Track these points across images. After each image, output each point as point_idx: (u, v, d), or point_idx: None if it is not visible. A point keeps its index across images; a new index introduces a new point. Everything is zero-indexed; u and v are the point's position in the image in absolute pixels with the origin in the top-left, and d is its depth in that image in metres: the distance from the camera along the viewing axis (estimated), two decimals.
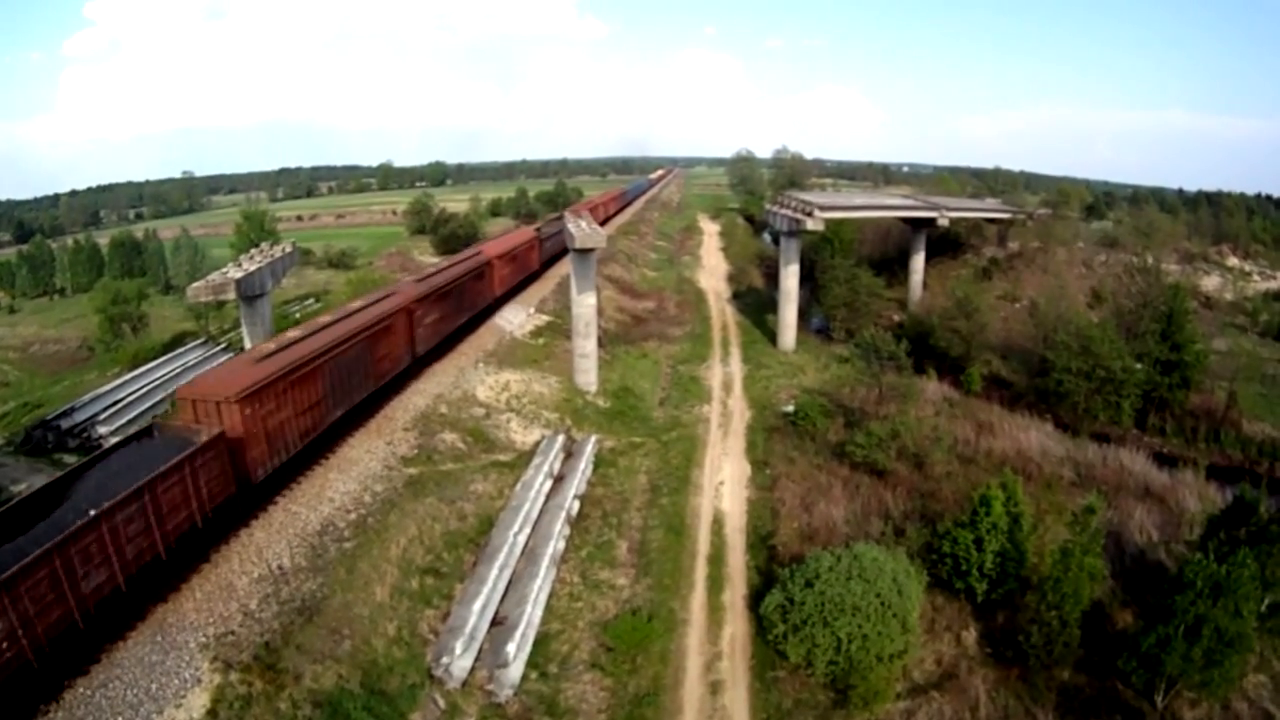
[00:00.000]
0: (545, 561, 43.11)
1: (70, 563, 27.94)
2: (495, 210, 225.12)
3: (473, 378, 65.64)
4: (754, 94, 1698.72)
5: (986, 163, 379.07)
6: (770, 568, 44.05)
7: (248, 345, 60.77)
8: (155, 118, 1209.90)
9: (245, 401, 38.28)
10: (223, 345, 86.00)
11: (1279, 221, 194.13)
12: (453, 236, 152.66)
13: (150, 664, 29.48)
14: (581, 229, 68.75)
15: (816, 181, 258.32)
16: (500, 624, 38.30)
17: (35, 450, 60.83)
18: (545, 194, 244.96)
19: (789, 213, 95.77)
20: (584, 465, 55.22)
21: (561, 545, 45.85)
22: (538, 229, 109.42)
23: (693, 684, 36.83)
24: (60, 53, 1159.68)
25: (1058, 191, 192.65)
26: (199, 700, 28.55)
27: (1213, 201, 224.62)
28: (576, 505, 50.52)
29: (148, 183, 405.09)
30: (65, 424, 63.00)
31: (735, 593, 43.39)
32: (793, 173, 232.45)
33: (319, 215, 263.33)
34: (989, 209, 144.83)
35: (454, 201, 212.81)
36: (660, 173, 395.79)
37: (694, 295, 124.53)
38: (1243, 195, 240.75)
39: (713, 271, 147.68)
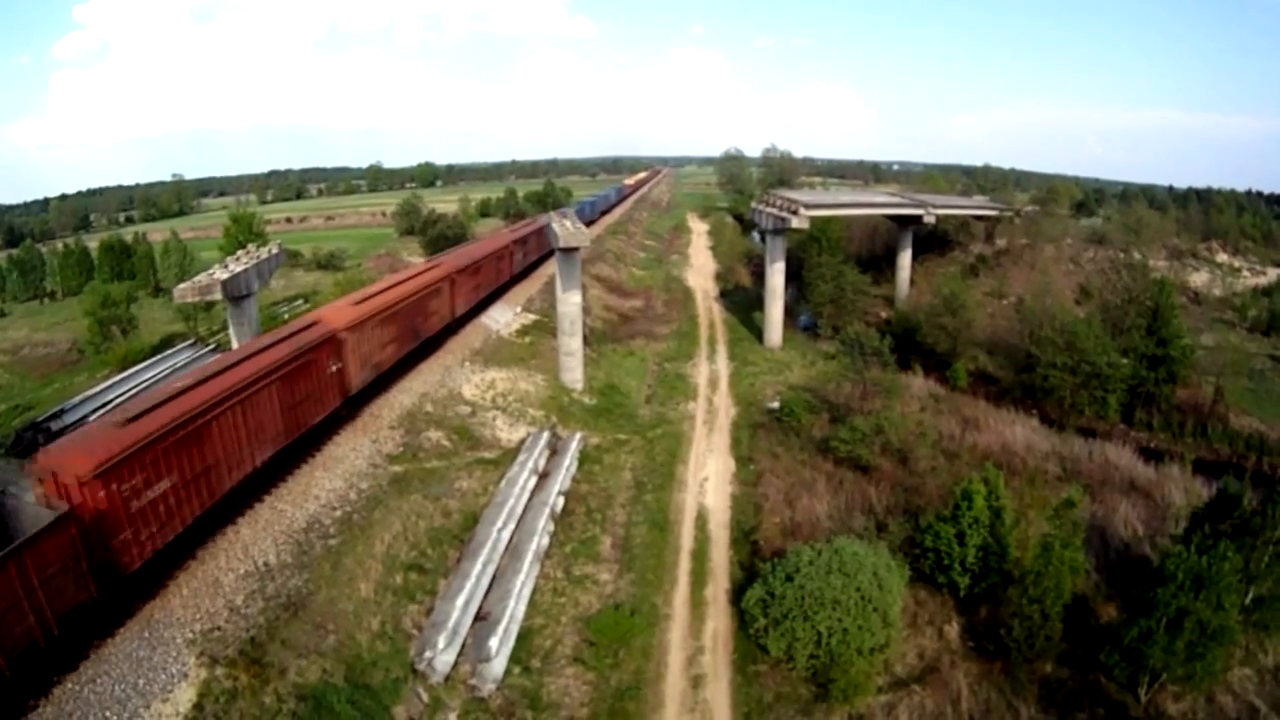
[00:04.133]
0: (529, 557, 43.36)
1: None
2: (485, 211, 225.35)
3: (459, 376, 65.99)
4: (743, 93, 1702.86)
5: (977, 160, 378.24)
6: (753, 563, 44.21)
7: (235, 345, 60.84)
8: (145, 121, 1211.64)
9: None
10: (211, 346, 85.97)
11: (1269, 218, 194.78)
12: (441, 237, 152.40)
13: (138, 659, 29.68)
14: (566, 228, 69.06)
15: (806, 180, 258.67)
16: (483, 619, 38.51)
17: (25, 452, 60.69)
18: (534, 194, 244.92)
19: (774, 211, 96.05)
20: (569, 462, 55.52)
21: (545, 541, 46.14)
22: None
23: (675, 678, 37.11)
24: (50, 56, 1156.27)
25: (1047, 189, 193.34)
26: (186, 695, 28.77)
27: (1202, 198, 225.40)
28: (561, 501, 50.77)
29: (137, 186, 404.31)
30: (55, 426, 62.87)
31: (718, 587, 43.70)
32: (782, 171, 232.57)
33: (308, 217, 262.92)
34: (976, 206, 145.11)
35: (443, 202, 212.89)
36: (642, 175, 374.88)
37: (682, 294, 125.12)
38: (1233, 192, 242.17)
39: (701, 270, 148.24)
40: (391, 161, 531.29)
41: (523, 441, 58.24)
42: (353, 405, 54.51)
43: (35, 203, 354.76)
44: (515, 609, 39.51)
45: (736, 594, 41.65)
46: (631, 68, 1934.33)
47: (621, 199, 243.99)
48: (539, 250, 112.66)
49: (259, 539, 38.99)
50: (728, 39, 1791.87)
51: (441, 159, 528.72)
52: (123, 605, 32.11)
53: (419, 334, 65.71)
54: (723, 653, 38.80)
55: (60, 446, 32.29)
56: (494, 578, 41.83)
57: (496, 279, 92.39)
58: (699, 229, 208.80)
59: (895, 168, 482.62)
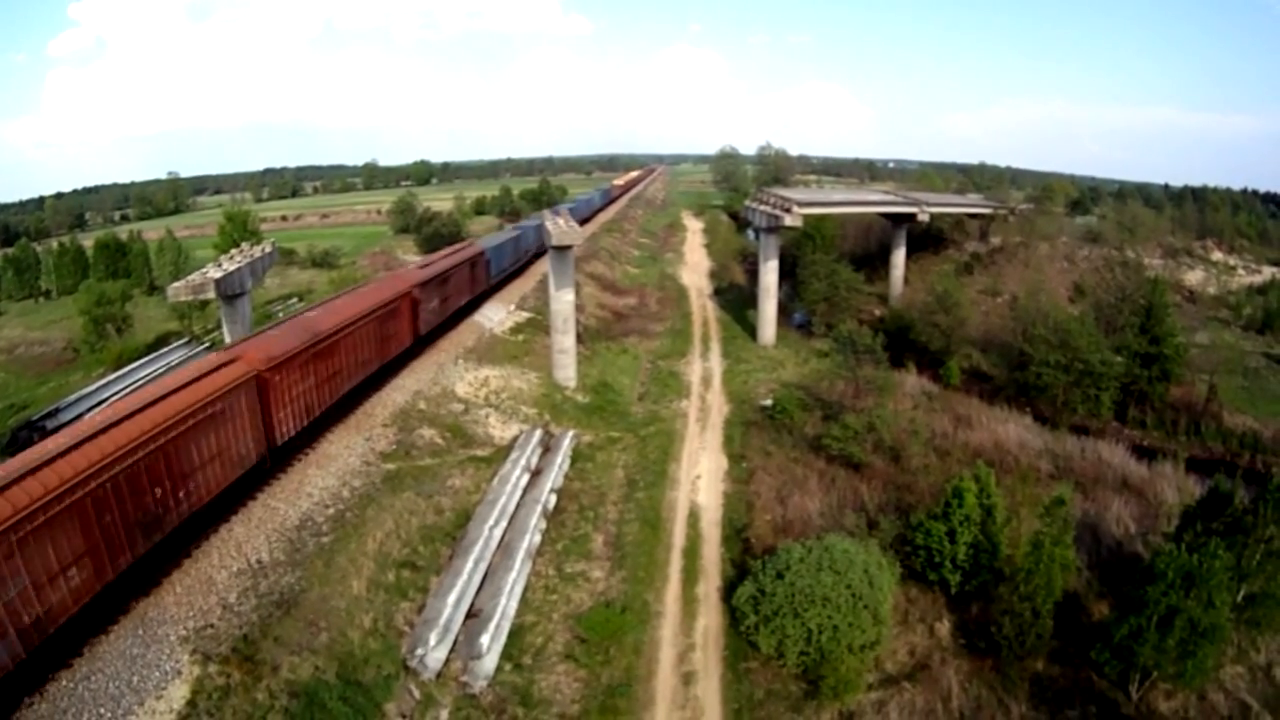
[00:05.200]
0: (521, 555, 43.45)
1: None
2: (480, 209, 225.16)
3: (452, 374, 65.99)
4: (740, 91, 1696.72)
5: (973, 159, 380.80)
6: (744, 560, 44.27)
7: (228, 342, 61.03)
8: (141, 119, 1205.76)
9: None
10: (206, 345, 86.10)
11: (1264, 216, 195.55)
12: (436, 235, 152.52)
13: (131, 657, 29.70)
14: (559, 226, 69.08)
15: (801, 178, 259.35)
16: (475, 616, 38.57)
17: (20, 451, 60.91)
18: (529, 192, 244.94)
19: (767, 209, 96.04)
20: (561, 460, 55.61)
21: (537, 539, 46.23)
22: None
23: (665, 675, 37.18)
24: (45, 53, 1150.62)
25: (1042, 187, 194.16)
26: (179, 692, 28.71)
27: (1198, 197, 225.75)
28: (553, 499, 50.87)
29: (133, 184, 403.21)
30: (51, 424, 63.04)
31: (709, 585, 43.77)
32: (777, 169, 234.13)
33: (304, 215, 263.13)
34: (970, 204, 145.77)
35: (438, 200, 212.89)
36: (634, 174, 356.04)
37: (676, 291, 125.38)
38: (1229, 190, 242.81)
39: (695, 268, 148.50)
40: (387, 159, 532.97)
41: (515, 439, 58.33)
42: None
43: (30, 201, 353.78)
44: (507, 606, 39.59)
45: (728, 591, 41.77)
46: (627, 65, 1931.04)
47: (608, 202, 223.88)
48: (471, 288, 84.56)
49: (252, 536, 39.01)
50: (724, 37, 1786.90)
51: (437, 157, 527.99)
52: None
53: (172, 506, 34.85)
54: (714, 650, 38.88)
55: None
56: (486, 575, 41.89)
57: (378, 354, 59.58)
58: (694, 227, 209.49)
59: (891, 166, 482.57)
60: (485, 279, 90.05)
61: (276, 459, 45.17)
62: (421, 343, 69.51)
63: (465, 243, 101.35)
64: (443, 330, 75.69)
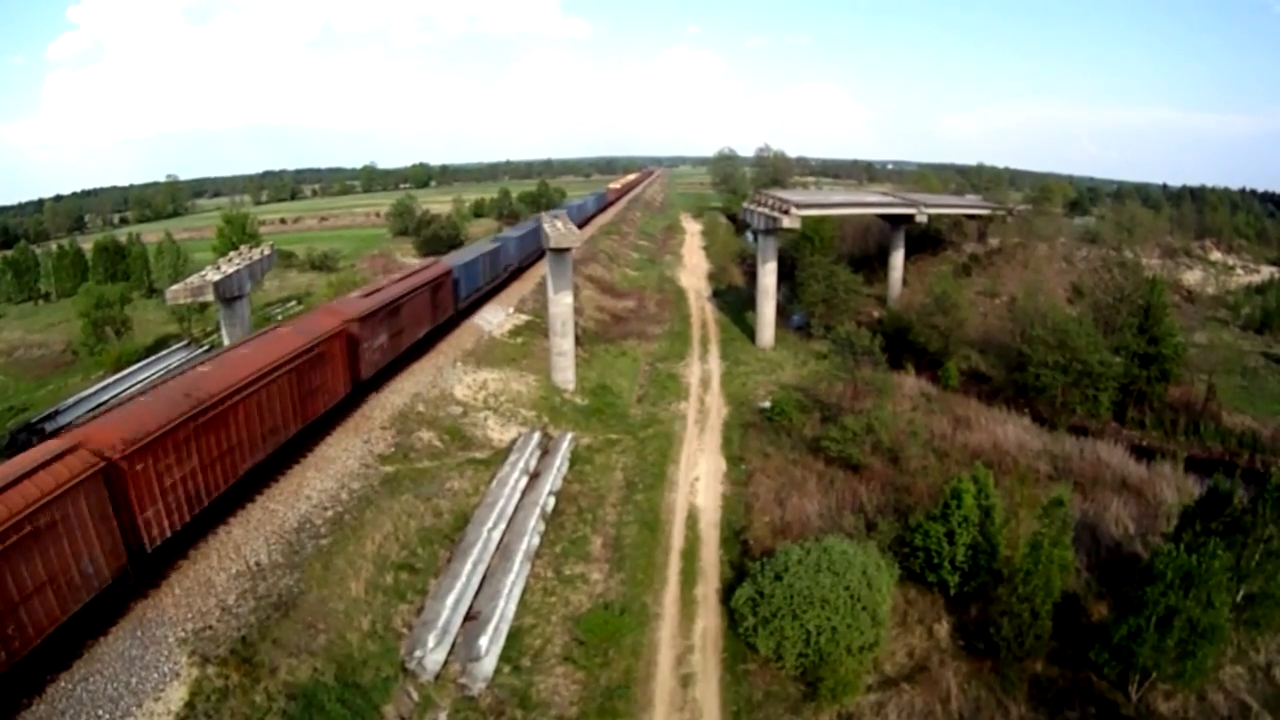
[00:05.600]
0: (519, 557, 43.44)
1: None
2: (478, 211, 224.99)
3: (451, 376, 65.91)
4: (738, 93, 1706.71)
5: (971, 160, 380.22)
6: (743, 562, 44.26)
7: (226, 345, 60.96)
8: (140, 122, 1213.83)
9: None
10: (205, 347, 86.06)
11: (1262, 216, 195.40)
12: (435, 238, 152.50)
13: (130, 658, 29.65)
14: (557, 229, 69.00)
15: (799, 180, 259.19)
16: (474, 618, 38.53)
17: (19, 453, 60.82)
18: (528, 194, 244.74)
19: (766, 211, 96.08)
20: (560, 462, 55.58)
21: (536, 541, 46.20)
22: None
23: (664, 677, 37.16)
24: (44, 56, 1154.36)
25: (1041, 188, 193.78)
26: (177, 694, 28.68)
27: (1196, 197, 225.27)
28: (552, 501, 50.88)
29: (132, 187, 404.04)
30: (50, 427, 62.90)
31: (708, 587, 43.76)
32: (775, 171, 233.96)
33: (302, 218, 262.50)
34: (968, 205, 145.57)
35: (437, 203, 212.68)
36: (631, 177, 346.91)
37: (674, 294, 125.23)
38: (1227, 190, 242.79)
39: (694, 270, 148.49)
40: (386, 162, 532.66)
41: (514, 442, 58.30)
42: None
43: (30, 204, 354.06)
44: (505, 608, 39.57)
45: (726, 593, 41.73)
46: (626, 68, 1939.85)
47: (603, 207, 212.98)
48: (433, 316, 71.50)
49: (250, 539, 38.96)
50: (722, 39, 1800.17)
51: (436, 159, 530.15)
52: None
53: None
54: (712, 652, 38.86)
55: None
56: (484, 577, 41.92)
57: (298, 413, 46.38)
58: (693, 229, 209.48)
59: (889, 167, 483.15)
60: (452, 303, 77.58)
61: (152, 565, 34.43)
62: (363, 389, 57.57)
63: (428, 261, 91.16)
64: (396, 369, 63.98)
